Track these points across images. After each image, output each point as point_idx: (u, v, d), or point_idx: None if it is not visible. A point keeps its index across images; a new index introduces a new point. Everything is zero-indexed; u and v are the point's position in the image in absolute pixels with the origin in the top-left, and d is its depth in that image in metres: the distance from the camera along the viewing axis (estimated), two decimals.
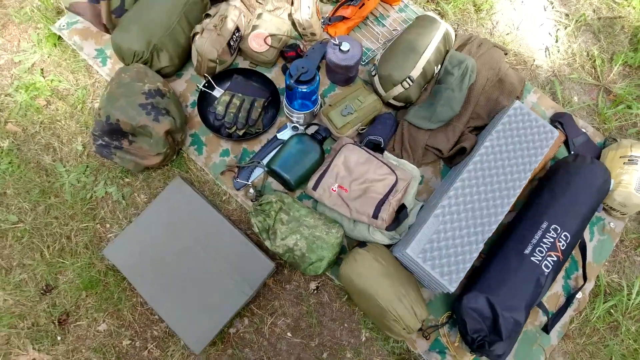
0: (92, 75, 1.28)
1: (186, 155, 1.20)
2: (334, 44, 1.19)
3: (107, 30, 1.20)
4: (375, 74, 1.18)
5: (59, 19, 1.32)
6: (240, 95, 1.21)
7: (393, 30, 1.37)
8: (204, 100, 1.22)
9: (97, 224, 1.13)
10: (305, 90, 1.08)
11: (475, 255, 0.97)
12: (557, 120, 1.25)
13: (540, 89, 1.33)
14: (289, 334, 1.06)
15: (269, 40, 1.25)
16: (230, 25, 1.20)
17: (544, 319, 1.07)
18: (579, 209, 1.03)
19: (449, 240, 0.98)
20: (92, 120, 1.22)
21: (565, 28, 1.40)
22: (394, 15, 1.39)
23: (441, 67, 1.20)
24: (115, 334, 1.05)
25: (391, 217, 1.03)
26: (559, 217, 1.02)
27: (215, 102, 1.20)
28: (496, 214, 1.01)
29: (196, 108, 1.21)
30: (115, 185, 1.16)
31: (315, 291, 1.09)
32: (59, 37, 1.30)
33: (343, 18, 1.32)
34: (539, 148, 1.08)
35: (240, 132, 1.19)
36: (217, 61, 1.19)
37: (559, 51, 1.38)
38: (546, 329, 1.05)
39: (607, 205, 1.15)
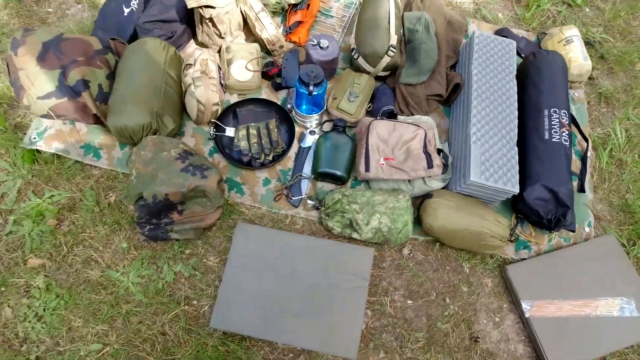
0: (90, 172, 1.19)
1: (231, 201, 1.19)
2: (313, 45, 1.27)
3: (97, 120, 1.13)
4: (358, 56, 1.30)
5: (22, 134, 1.19)
6: (253, 124, 1.23)
7: (342, 17, 1.49)
8: (220, 145, 1.22)
9: (184, 305, 1.08)
10: (320, 92, 1.15)
11: (515, 155, 1.15)
12: (500, 34, 1.49)
13: (474, 18, 1.57)
14: (409, 302, 1.14)
15: (250, 66, 1.28)
16: (213, 67, 1.21)
17: (575, 183, 1.31)
18: (559, 90, 1.27)
19: (492, 156, 1.14)
20: (118, 216, 1.15)
21: None
22: (334, 5, 1.52)
23: (403, 28, 1.35)
24: None
25: (441, 162, 1.17)
26: (551, 102, 1.25)
27: (235, 141, 1.21)
28: (511, 118, 1.20)
29: (218, 154, 1.21)
30: (180, 262, 1.11)
31: (409, 255, 1.18)
32: (36, 152, 1.18)
33: (299, 23, 1.40)
34: (509, 58, 1.30)
35: (270, 157, 1.22)
36: (219, 103, 1.20)
37: None
38: (582, 188, 1.29)
39: (569, 81, 1.42)
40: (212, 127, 1.22)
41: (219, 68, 1.25)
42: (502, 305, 1.15)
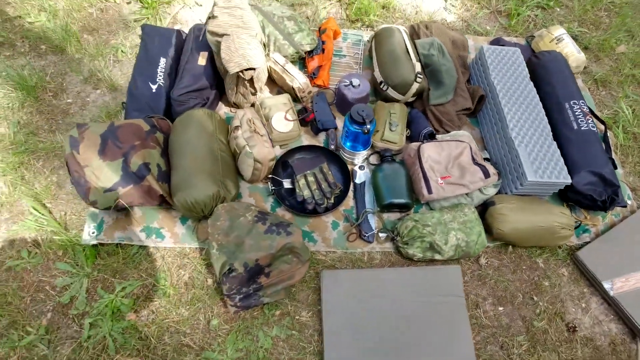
0: (157, 254, 1.15)
1: None
2: (346, 85, 1.33)
3: (162, 201, 1.10)
4: (387, 88, 1.37)
5: (71, 233, 1.14)
6: (308, 172, 1.25)
7: (354, 55, 1.58)
8: (280, 198, 1.22)
9: None
10: (371, 127, 1.20)
11: (557, 149, 1.24)
12: (497, 44, 1.63)
13: (467, 33, 1.70)
14: (500, 308, 1.16)
15: (289, 116, 1.32)
16: (260, 124, 1.23)
17: None
18: (570, 83, 1.40)
19: (537, 154, 1.22)
20: (198, 292, 1.11)
21: None
22: (343, 45, 1.60)
23: (418, 55, 1.45)
24: None
25: (496, 170, 1.24)
26: (567, 95, 1.37)
27: (297, 191, 1.22)
28: (540, 116, 1.30)
29: (280, 208, 1.21)
30: (274, 326, 1.08)
31: (487, 263, 1.22)
32: (96, 246, 1.12)
33: (319, 67, 1.47)
34: (520, 64, 1.42)
35: (332, 200, 1.23)
36: (274, 158, 1.21)
37: (453, 5, 1.78)
38: (614, 166, 1.40)
39: None
40: (269, 183, 1.23)
41: (263, 125, 1.27)
42: (582, 291, 1.21)
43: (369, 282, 1.12)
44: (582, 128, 1.30)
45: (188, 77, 1.29)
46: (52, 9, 1.58)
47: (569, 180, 1.19)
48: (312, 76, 1.45)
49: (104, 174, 0.99)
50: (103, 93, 1.42)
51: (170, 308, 1.09)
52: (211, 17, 1.23)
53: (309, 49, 1.47)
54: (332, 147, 1.34)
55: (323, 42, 1.49)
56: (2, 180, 1.22)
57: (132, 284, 1.10)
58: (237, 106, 1.37)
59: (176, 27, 1.60)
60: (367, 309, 1.08)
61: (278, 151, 1.33)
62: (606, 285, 1.16)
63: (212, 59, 1.34)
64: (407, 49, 1.38)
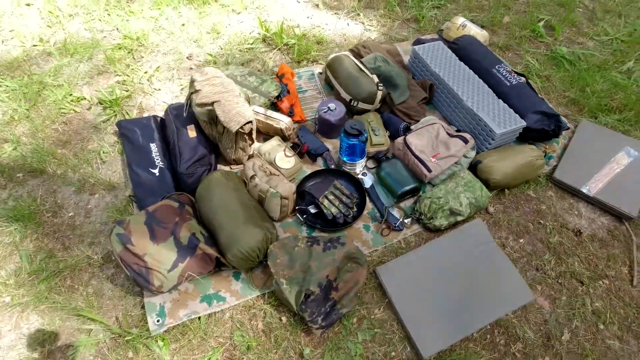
0: (224, 318, 1.18)
1: None
2: (325, 111, 1.52)
3: (217, 263, 1.14)
4: (357, 103, 1.58)
5: (135, 332, 1.13)
6: (327, 192, 1.39)
7: (314, 87, 1.78)
8: (312, 223, 1.33)
9: None
10: (364, 139, 1.37)
11: (504, 104, 1.53)
12: (420, 43, 1.95)
13: (391, 42, 2.01)
14: (521, 240, 1.37)
15: (288, 153, 1.46)
16: (270, 167, 1.35)
17: None
18: (489, 54, 1.74)
19: (493, 112, 1.50)
20: (279, 332, 1.15)
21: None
22: (300, 82, 1.80)
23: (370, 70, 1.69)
24: None
25: (469, 135, 1.48)
26: (491, 62, 1.69)
27: (325, 211, 1.34)
28: (480, 85, 1.60)
29: (315, 231, 1.33)
30: (357, 333, 1.16)
31: (494, 211, 1.43)
32: (166, 332, 1.12)
33: (292, 106, 1.64)
34: (446, 51, 1.73)
35: (355, 209, 1.38)
36: (295, 190, 1.33)
37: (371, 26, 2.10)
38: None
39: None
40: (297, 215, 1.34)
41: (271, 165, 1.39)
42: (570, 202, 1.47)
43: (417, 262, 1.26)
44: (513, 83, 1.62)
45: (187, 150, 1.37)
46: (14, 138, 1.57)
47: (524, 123, 1.47)
48: (290, 115, 1.61)
49: (163, 256, 1.03)
50: (102, 195, 1.44)
51: (261, 358, 1.12)
52: (194, 91, 1.34)
53: (276, 94, 1.64)
54: (333, 166, 1.49)
55: (286, 85, 1.67)
56: (37, 313, 1.17)
57: (215, 353, 1.12)
58: (237, 162, 1.48)
59: (145, 114, 1.68)
60: (426, 283, 1.22)
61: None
62: (584, 190, 1.44)
63: (201, 129, 1.44)
64: (359, 68, 1.62)
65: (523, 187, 1.50)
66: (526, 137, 1.57)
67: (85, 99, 1.71)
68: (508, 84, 1.62)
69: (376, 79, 1.58)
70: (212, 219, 1.18)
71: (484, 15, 2.17)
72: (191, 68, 1.85)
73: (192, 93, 1.36)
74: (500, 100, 1.55)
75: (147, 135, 1.47)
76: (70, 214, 1.39)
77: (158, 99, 1.74)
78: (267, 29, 1.99)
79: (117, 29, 2.01)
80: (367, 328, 1.18)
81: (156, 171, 1.38)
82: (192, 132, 1.42)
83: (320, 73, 1.82)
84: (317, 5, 2.19)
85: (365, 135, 1.36)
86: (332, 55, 1.69)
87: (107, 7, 2.10)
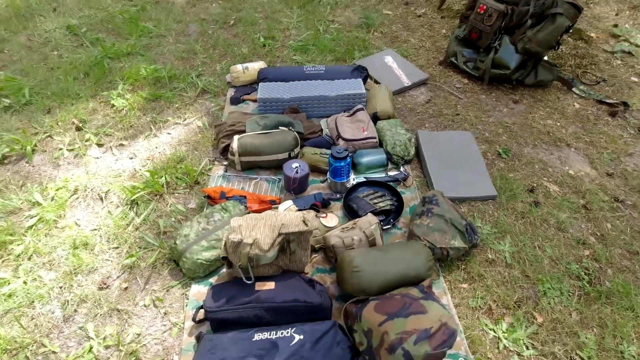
0: None
1: None
2: (293, 169, 1.65)
3: None
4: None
5: None
6: (365, 197, 1.63)
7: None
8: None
9: None
10: (349, 160, 1.66)
11: None
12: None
13: None
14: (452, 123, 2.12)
15: (322, 215, 1.56)
16: (333, 231, 1.45)
17: None
18: (287, 68, 2.23)
19: (340, 84, 2.07)
20: None
21: None
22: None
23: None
24: None
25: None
26: (300, 68, 2.21)
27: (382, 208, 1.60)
28: (306, 75, 2.11)
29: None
30: None
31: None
32: None
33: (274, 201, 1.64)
34: (277, 85, 2.10)
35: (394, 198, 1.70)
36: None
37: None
38: None
39: None
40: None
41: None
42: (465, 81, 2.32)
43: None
44: (322, 69, 2.22)
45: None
46: None
47: (362, 88, 2.14)
48: (272, 204, 1.62)
49: None
50: None
51: None
52: (240, 244, 1.20)
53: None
54: (338, 195, 1.70)
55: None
56: None
57: None
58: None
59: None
60: None
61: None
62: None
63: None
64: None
65: None
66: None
67: None
68: (323, 70, 2.19)
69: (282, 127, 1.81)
70: None
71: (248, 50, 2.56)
72: None
73: (247, 254, 1.20)
74: (333, 80, 2.13)
75: None
76: None
77: None
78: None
79: None
80: None
81: None
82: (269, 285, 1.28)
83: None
84: None
85: (349, 159, 1.66)
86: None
87: None
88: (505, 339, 1.28)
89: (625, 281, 1.44)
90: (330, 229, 1.53)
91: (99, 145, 1.95)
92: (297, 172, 1.66)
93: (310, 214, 1.49)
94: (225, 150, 1.84)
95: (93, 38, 2.69)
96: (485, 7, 2.21)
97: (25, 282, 1.41)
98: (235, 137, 1.75)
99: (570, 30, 2.23)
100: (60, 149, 1.92)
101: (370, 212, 1.56)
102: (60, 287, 1.41)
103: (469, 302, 1.38)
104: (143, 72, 2.35)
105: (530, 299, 1.39)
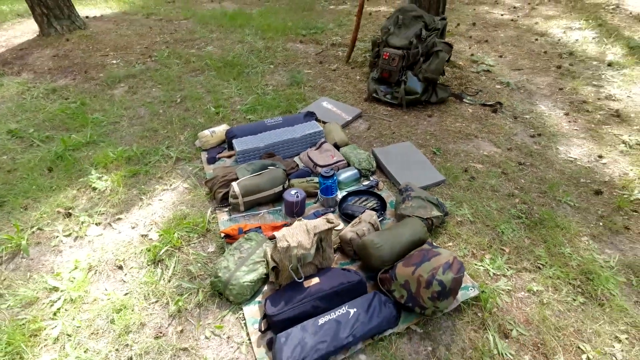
0: None
1: None
2: (293, 194, 1.98)
3: None
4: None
5: None
6: (357, 204, 2.00)
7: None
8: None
9: None
10: (336, 178, 2.04)
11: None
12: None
13: None
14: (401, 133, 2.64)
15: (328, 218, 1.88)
16: (345, 227, 1.79)
17: None
18: (254, 125, 2.61)
19: (295, 130, 2.52)
20: None
21: None
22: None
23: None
24: None
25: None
26: (261, 122, 2.59)
27: (363, 206, 1.99)
28: (267, 127, 2.52)
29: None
30: None
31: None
32: None
33: (284, 225, 1.91)
34: (250, 139, 2.44)
35: (376, 201, 2.11)
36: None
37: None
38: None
39: None
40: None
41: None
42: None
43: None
44: (279, 119, 2.64)
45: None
46: None
47: (317, 127, 2.61)
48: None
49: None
50: None
51: None
52: (288, 249, 1.47)
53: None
54: (332, 209, 2.06)
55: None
56: None
57: None
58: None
59: None
60: None
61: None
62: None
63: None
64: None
65: None
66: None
67: None
68: (281, 120, 2.62)
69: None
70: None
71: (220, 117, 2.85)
72: None
73: (296, 255, 1.47)
74: (292, 125, 2.56)
75: None
76: None
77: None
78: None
79: None
80: None
81: None
82: (315, 280, 1.54)
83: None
84: None
85: (335, 177, 2.04)
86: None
87: None
88: (492, 268, 1.72)
89: (547, 211, 2.04)
90: (341, 231, 1.86)
91: (97, 224, 2.02)
92: (297, 196, 1.98)
93: (329, 215, 1.81)
94: (225, 198, 2.08)
95: (43, 137, 2.74)
96: (388, 54, 2.94)
97: (78, 357, 1.43)
98: (234, 183, 2.02)
99: (448, 61, 3.06)
100: (57, 236, 1.94)
101: (363, 212, 1.95)
102: (117, 350, 1.46)
103: (458, 253, 1.80)
104: (112, 155, 2.49)
105: (495, 239, 1.88)
